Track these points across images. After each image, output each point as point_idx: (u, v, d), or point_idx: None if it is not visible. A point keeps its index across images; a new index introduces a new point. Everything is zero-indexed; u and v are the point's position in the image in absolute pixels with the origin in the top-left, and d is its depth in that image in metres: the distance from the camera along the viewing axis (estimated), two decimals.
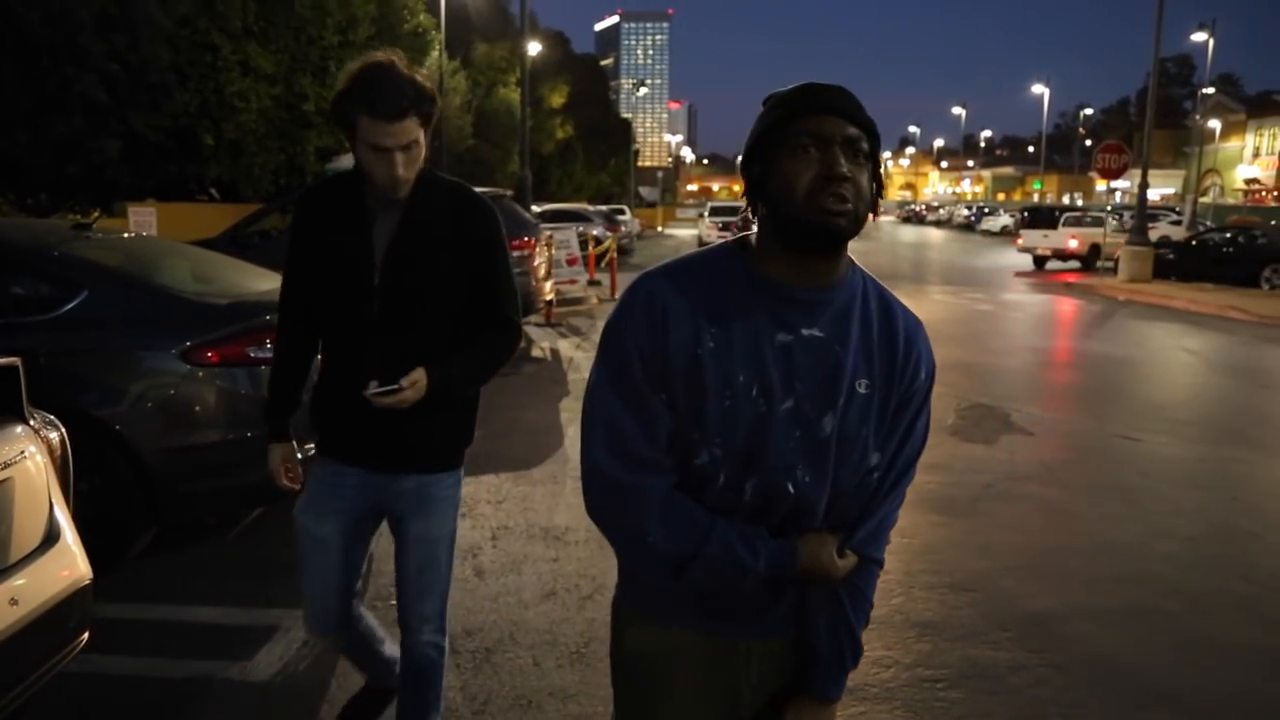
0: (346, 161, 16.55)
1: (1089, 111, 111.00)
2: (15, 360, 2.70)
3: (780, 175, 1.39)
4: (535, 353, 10.86)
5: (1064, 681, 3.43)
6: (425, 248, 2.28)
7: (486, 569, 4.33)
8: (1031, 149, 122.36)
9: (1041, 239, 25.58)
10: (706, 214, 34.76)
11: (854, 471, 1.47)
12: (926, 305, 16.01)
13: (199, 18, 16.78)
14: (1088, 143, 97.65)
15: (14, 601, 2.44)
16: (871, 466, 1.48)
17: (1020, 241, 26.82)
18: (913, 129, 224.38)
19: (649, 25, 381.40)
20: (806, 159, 1.37)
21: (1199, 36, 44.20)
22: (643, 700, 1.60)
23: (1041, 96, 73.10)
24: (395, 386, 2.20)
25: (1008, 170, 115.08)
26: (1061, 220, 25.45)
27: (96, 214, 13.76)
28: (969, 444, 6.80)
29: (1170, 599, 4.17)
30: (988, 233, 52.79)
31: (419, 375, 2.23)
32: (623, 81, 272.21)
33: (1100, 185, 51.54)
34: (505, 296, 2.39)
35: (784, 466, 1.42)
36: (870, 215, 1.43)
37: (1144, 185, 21.58)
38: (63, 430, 3.01)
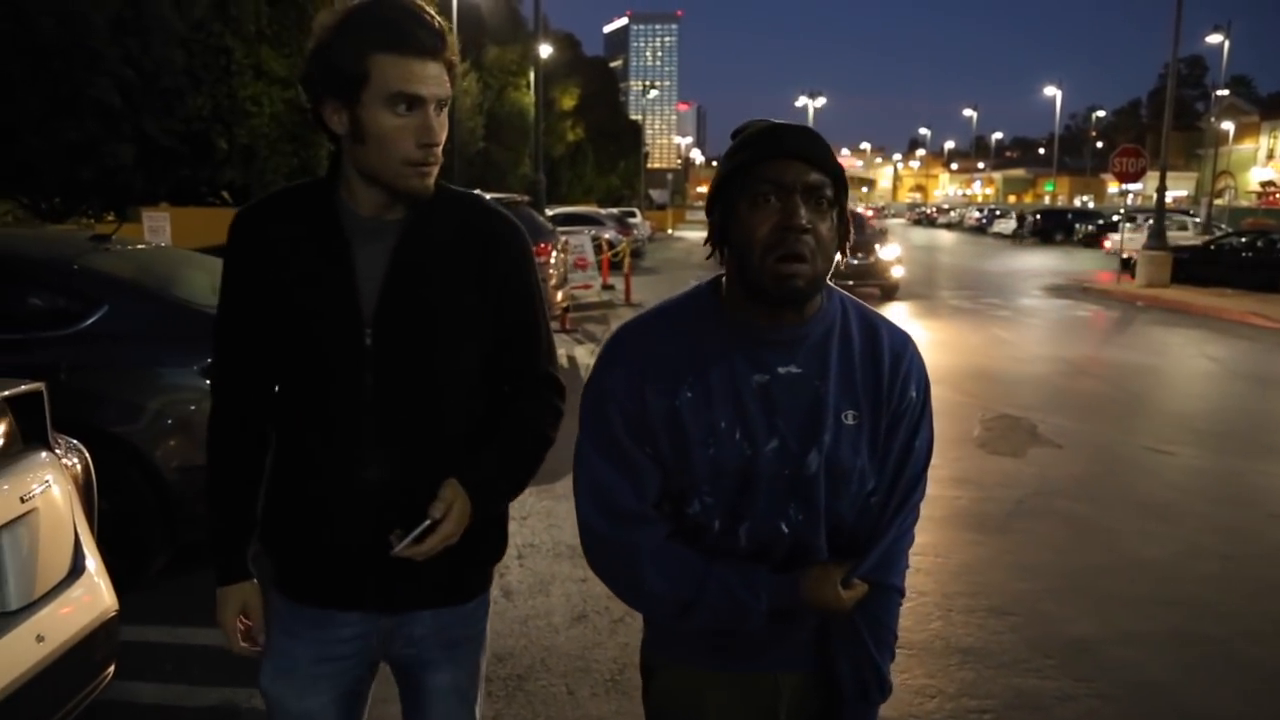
0: None
1: (1101, 113, 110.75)
2: (40, 385, 2.63)
3: (739, 224, 1.36)
4: None
5: (1112, 712, 3.33)
6: (436, 287, 1.60)
7: (514, 589, 4.24)
8: (1042, 150, 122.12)
9: (1128, 241, 26.06)
10: None
11: (852, 502, 1.44)
12: (942, 313, 15.89)
13: (213, 21, 16.78)
14: (1099, 144, 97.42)
15: (40, 638, 2.36)
16: (869, 491, 1.45)
17: (1108, 244, 27.44)
18: (923, 131, 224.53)
19: (658, 27, 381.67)
20: (766, 208, 1.33)
21: (1214, 39, 43.91)
22: None
23: (1053, 98, 72.97)
24: (426, 524, 1.51)
25: (1019, 172, 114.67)
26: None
27: (115, 223, 13.74)
28: (997, 457, 6.69)
29: (1214, 623, 4.06)
30: (1000, 235, 52.53)
31: (453, 494, 1.54)
32: (632, 83, 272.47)
33: (1112, 188, 51.30)
34: (545, 346, 1.74)
35: (775, 508, 1.41)
36: (838, 258, 1.40)
37: (1162, 189, 21.40)
38: (86, 455, 2.94)
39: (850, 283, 15.10)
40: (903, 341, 1.49)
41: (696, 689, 1.53)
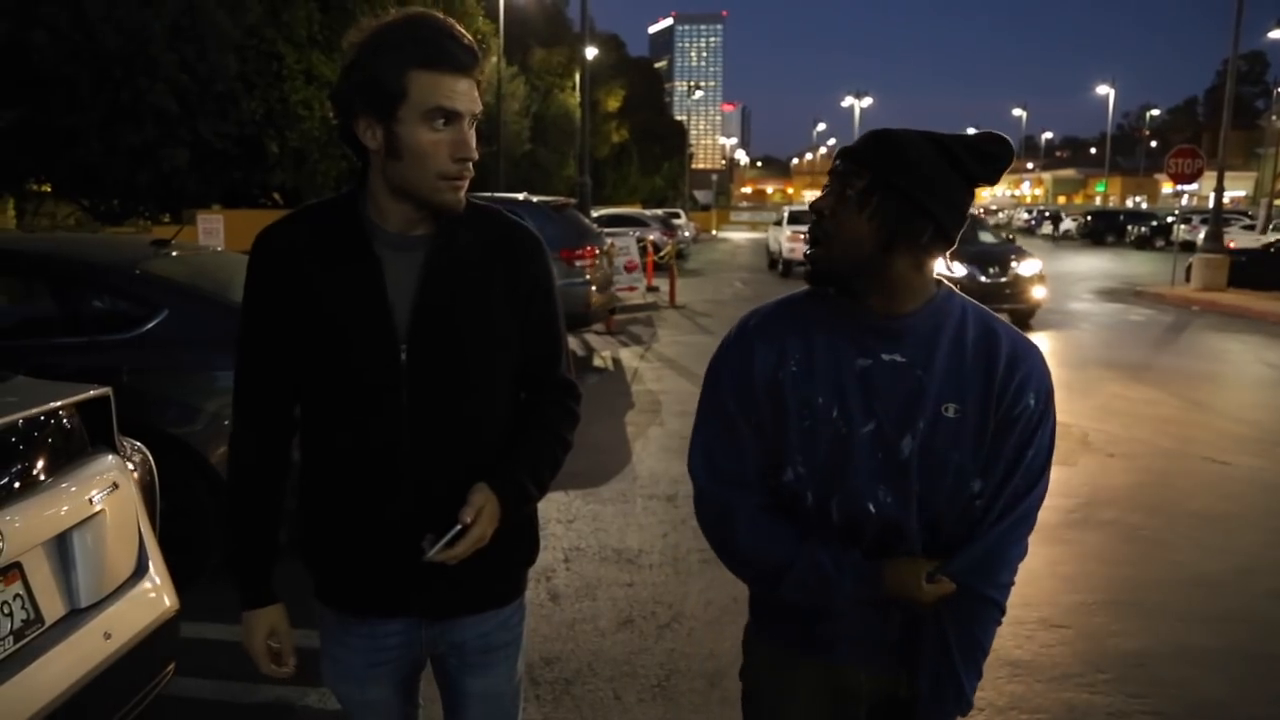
0: None
1: (1155, 112, 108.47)
2: (107, 390, 2.70)
3: None
4: (597, 362, 10.82)
5: None
6: (466, 301, 1.62)
7: (561, 593, 4.27)
8: (1094, 150, 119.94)
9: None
10: (785, 221, 24.76)
11: (951, 498, 1.48)
12: None
13: (265, 27, 17.11)
14: (1153, 144, 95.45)
15: (108, 635, 2.44)
16: (974, 493, 1.48)
17: (1233, 244, 25.94)
18: (971, 131, 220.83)
19: (703, 27, 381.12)
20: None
21: (1276, 34, 42.69)
22: None
23: (1105, 97, 71.58)
24: (458, 528, 1.54)
25: (1069, 172, 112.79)
26: None
27: (174, 226, 14.05)
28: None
29: (1275, 641, 3.97)
30: (1049, 237, 51.73)
31: (483, 498, 1.56)
32: (677, 84, 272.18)
33: (1166, 188, 50.14)
34: (565, 354, 1.79)
35: (865, 487, 1.47)
36: (896, 254, 1.44)
37: (1219, 190, 20.90)
38: (149, 457, 3.02)
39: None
40: (1026, 348, 1.52)
41: (786, 673, 1.64)
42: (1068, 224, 51.66)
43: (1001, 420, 1.47)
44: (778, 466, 1.52)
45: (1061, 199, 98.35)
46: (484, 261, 1.64)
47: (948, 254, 1.50)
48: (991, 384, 1.47)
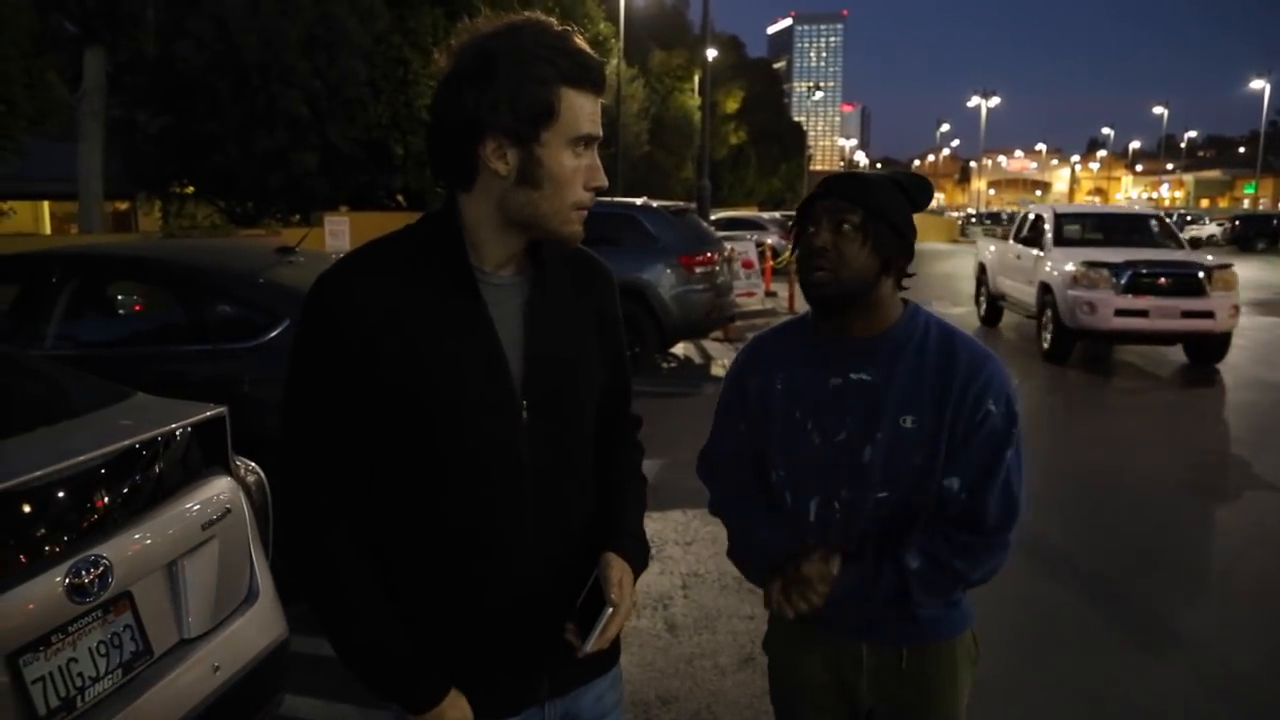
0: None
1: None
2: (223, 410, 2.63)
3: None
4: (715, 371, 10.58)
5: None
6: (567, 344, 1.46)
7: (679, 624, 4.06)
8: (1242, 150, 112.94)
9: None
10: (1051, 240, 12.77)
11: (917, 494, 1.63)
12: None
13: (393, 34, 17.51)
14: None
15: (216, 668, 2.35)
16: (954, 490, 1.62)
17: None
18: (1105, 130, 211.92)
19: (822, 27, 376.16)
20: (805, 235, 1.67)
21: None
22: (781, 707, 1.91)
23: (1260, 91, 67.16)
24: (609, 610, 1.40)
25: (1213, 174, 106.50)
26: None
27: (304, 228, 14.48)
28: (1207, 499, 6.02)
29: None
30: (1194, 242, 48.87)
31: (620, 572, 1.44)
32: (796, 84, 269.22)
33: None
34: (632, 389, 1.67)
35: (831, 489, 1.67)
36: (886, 276, 1.65)
37: None
38: (263, 477, 2.94)
39: None
40: (984, 358, 1.66)
41: (795, 648, 1.84)
42: (1212, 229, 48.70)
43: (966, 427, 1.61)
44: (767, 468, 1.75)
45: (1205, 202, 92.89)
46: (573, 296, 1.50)
47: None
48: (948, 394, 1.61)
